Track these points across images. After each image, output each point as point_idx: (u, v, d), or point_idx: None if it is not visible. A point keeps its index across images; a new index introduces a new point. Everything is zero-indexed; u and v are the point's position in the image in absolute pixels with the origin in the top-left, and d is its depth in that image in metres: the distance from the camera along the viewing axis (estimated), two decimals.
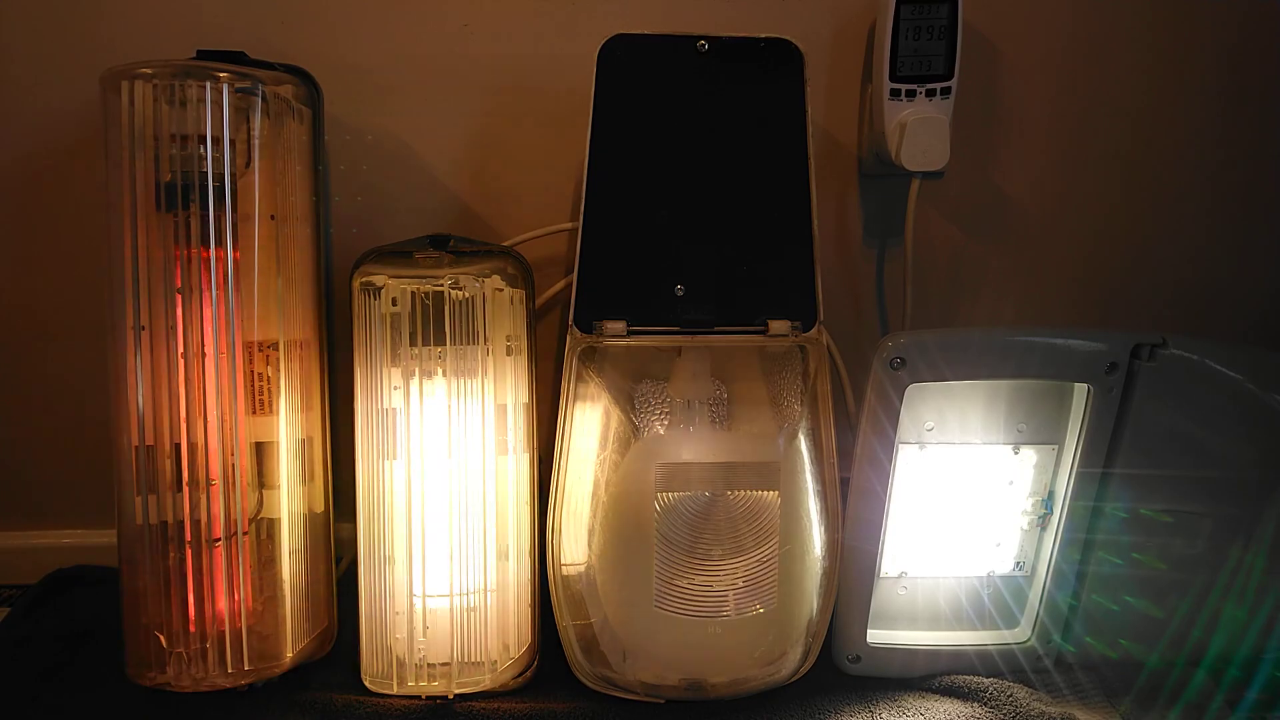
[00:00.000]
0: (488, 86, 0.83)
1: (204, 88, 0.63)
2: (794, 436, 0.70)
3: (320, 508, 0.73)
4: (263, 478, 0.69)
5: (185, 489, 0.65)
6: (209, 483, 0.65)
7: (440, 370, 0.68)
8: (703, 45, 0.69)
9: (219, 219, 0.65)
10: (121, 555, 0.67)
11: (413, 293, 0.67)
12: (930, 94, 0.81)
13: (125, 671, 0.67)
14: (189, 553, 0.66)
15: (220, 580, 0.66)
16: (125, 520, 0.66)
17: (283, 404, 0.69)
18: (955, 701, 0.71)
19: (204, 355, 0.65)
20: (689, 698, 0.71)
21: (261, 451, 0.69)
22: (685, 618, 0.68)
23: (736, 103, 0.69)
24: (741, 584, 0.68)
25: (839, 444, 0.71)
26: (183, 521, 0.65)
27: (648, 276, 0.69)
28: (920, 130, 0.79)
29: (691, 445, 0.69)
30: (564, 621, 0.71)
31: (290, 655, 0.70)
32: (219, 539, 0.66)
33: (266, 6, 0.80)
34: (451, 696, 0.69)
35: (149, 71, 0.63)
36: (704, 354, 0.71)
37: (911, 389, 0.68)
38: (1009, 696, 0.70)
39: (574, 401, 0.70)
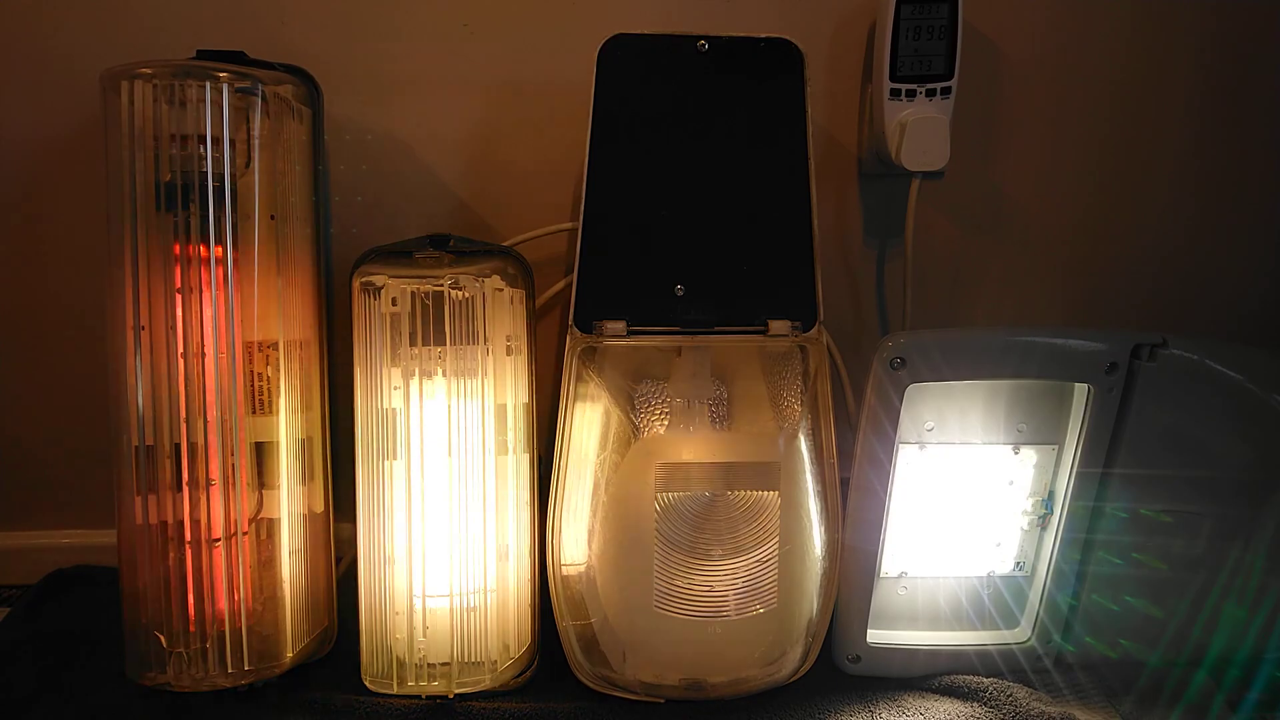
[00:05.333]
0: (488, 86, 0.83)
1: (204, 88, 0.63)
2: (794, 436, 0.70)
3: (320, 508, 0.73)
4: (263, 478, 0.69)
5: (185, 489, 0.65)
6: (209, 483, 0.65)
7: (440, 370, 0.68)
8: (703, 45, 0.69)
9: (219, 219, 0.65)
10: (121, 555, 0.67)
11: (413, 293, 0.67)
12: (930, 94, 0.80)
13: (125, 671, 0.67)
14: (189, 553, 0.66)
15: (220, 580, 0.66)
16: (125, 520, 0.66)
17: (283, 404, 0.69)
18: (955, 701, 0.71)
19: (204, 355, 0.65)
20: (689, 698, 0.71)
21: (261, 451, 0.69)
22: (685, 618, 0.68)
23: (736, 103, 0.69)
24: (741, 584, 0.68)
25: (839, 444, 0.71)
26: (183, 521, 0.65)
27: (647, 276, 0.69)
28: (920, 130, 0.79)
29: (691, 445, 0.69)
30: (564, 621, 0.71)
31: (290, 655, 0.70)
32: (219, 539, 0.66)
33: (266, 6, 0.80)
34: (451, 696, 0.69)
35: (149, 71, 0.63)
36: (704, 354, 0.71)
37: (911, 389, 0.68)
38: (1009, 696, 0.70)
39: (574, 401, 0.70)
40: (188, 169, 0.64)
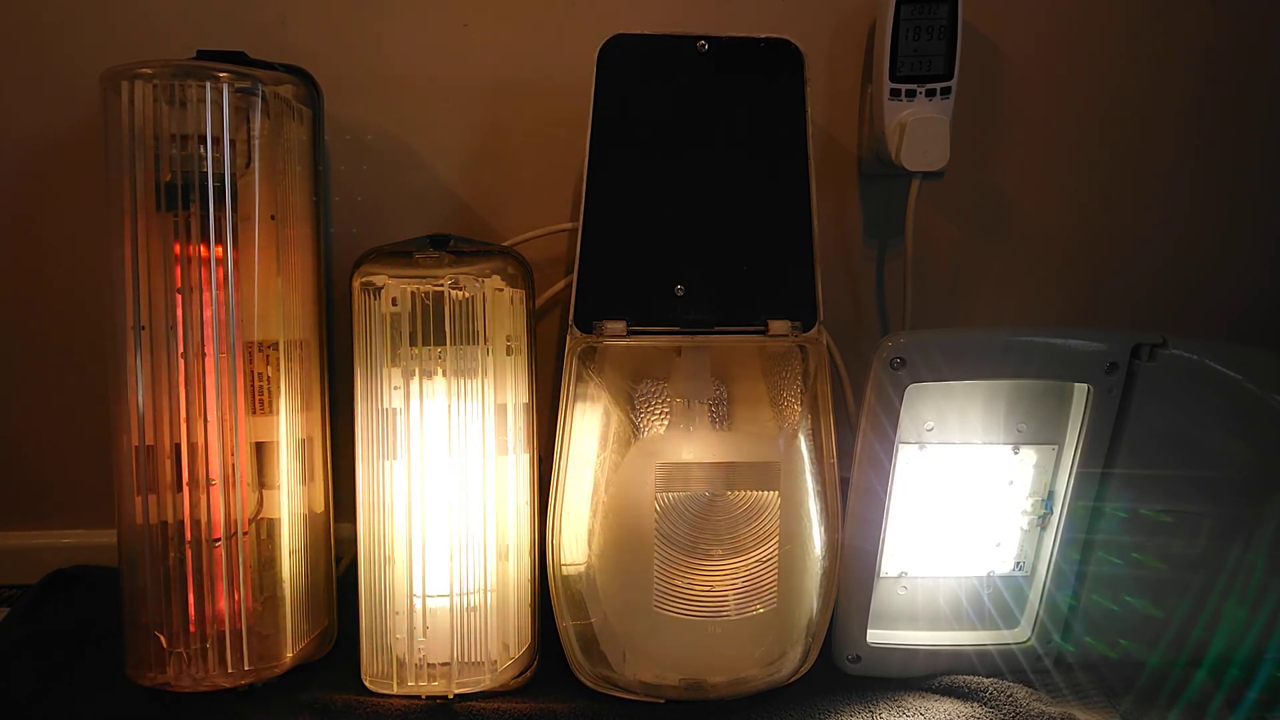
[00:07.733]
0: (488, 86, 0.83)
1: (204, 88, 0.63)
2: (794, 436, 0.70)
3: (320, 508, 0.73)
4: (263, 478, 0.69)
5: (185, 489, 0.65)
6: (209, 483, 0.65)
7: (440, 370, 0.68)
8: (703, 45, 0.69)
9: (219, 219, 0.65)
10: (121, 555, 0.67)
11: (413, 293, 0.67)
12: (930, 94, 0.81)
13: (125, 671, 0.67)
14: (189, 553, 0.66)
15: (220, 580, 0.66)
16: (125, 520, 0.66)
17: (283, 404, 0.69)
18: (955, 701, 0.71)
19: (204, 355, 0.65)
20: (689, 698, 0.71)
21: (261, 451, 0.69)
22: (685, 618, 0.68)
23: (736, 103, 0.69)
24: (741, 584, 0.68)
25: (839, 444, 0.71)
26: (183, 521, 0.65)
27: (648, 276, 0.69)
28: (920, 130, 0.79)
29: (691, 445, 0.69)
30: (564, 621, 0.71)
31: (290, 655, 0.70)
32: (219, 539, 0.66)
33: (266, 6, 0.80)
34: (451, 696, 0.69)
35: (149, 71, 0.63)
36: (704, 354, 0.71)
37: (911, 389, 0.68)
38: (1009, 696, 0.70)
39: (574, 401, 0.70)
40: (188, 169, 0.64)
